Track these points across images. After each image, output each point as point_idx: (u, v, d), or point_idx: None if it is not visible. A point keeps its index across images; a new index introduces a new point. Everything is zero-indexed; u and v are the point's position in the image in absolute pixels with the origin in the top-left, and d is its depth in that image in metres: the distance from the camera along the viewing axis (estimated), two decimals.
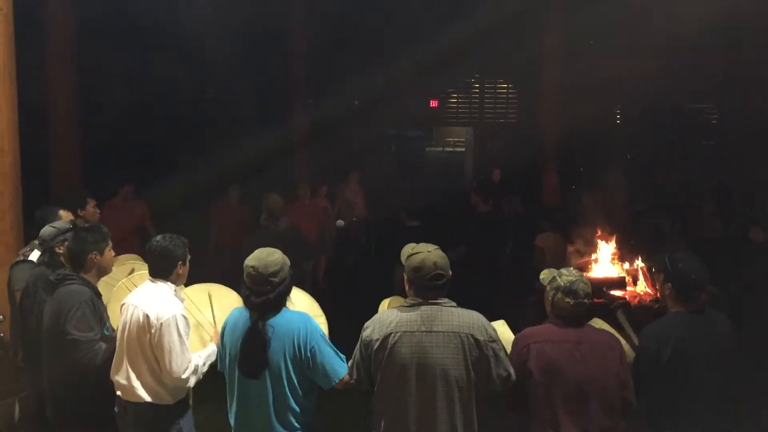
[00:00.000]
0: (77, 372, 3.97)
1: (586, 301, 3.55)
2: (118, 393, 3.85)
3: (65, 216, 5.18)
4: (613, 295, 7.63)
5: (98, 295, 4.17)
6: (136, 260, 5.10)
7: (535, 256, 7.68)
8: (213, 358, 3.92)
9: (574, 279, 3.57)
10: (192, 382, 3.79)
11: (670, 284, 3.66)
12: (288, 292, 3.57)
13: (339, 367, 3.50)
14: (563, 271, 3.65)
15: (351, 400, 3.64)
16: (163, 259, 3.86)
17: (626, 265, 8.04)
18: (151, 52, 11.32)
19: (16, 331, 5.05)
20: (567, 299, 3.53)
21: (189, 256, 3.99)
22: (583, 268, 8.01)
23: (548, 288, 3.63)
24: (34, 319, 4.51)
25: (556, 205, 10.66)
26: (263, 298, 3.46)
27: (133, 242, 7.00)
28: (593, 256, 8.24)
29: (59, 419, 4.17)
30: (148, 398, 3.76)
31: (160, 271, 3.88)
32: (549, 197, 11.38)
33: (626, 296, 7.66)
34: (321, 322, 3.92)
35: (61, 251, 4.59)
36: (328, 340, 3.56)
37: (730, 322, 3.68)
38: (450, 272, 3.53)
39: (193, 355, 3.80)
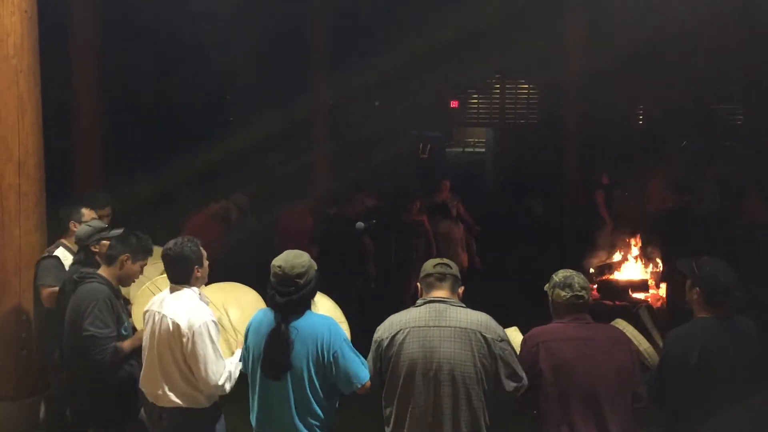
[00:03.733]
0: (92, 369, 3.98)
1: (583, 294, 3.57)
2: (151, 400, 3.82)
3: (88, 214, 5.14)
4: (636, 298, 7.57)
5: (117, 294, 4.19)
6: None
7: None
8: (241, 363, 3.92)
9: (569, 274, 3.63)
10: (228, 388, 3.73)
11: (697, 288, 3.60)
12: (312, 295, 3.56)
13: (361, 372, 3.47)
14: (560, 270, 3.69)
15: (371, 402, 3.62)
16: (179, 265, 3.82)
17: (650, 268, 7.96)
18: (173, 51, 11.40)
19: (41, 328, 5.07)
20: (563, 293, 3.56)
21: (206, 258, 3.95)
22: (605, 270, 7.96)
23: (548, 288, 3.67)
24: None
25: (660, 209, 9.00)
26: (287, 298, 3.44)
27: None
28: (613, 259, 8.18)
29: (77, 418, 4.19)
30: (182, 403, 3.73)
31: (179, 277, 3.84)
32: (657, 204, 9.35)
33: (648, 299, 7.60)
34: (345, 328, 3.90)
35: (96, 250, 4.58)
36: (352, 346, 3.55)
37: (756, 327, 3.62)
38: (460, 278, 3.59)
39: (226, 361, 3.75)
